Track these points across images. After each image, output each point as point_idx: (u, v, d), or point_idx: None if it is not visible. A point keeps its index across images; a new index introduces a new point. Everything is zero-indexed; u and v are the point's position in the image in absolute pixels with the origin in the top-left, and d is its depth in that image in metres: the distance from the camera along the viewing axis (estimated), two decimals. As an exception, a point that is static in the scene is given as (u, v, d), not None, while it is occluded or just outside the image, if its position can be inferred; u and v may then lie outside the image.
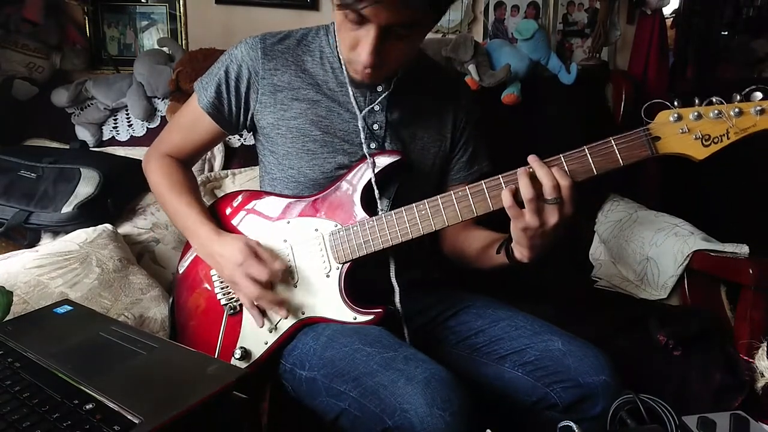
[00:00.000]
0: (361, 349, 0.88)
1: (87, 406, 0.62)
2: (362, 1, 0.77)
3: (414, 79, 1.04)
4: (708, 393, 1.19)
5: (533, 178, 0.84)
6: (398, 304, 0.99)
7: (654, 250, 1.52)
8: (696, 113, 0.82)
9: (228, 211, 1.08)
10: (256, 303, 0.97)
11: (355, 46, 0.87)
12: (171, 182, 1.08)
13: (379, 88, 1.01)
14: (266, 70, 1.01)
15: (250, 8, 1.81)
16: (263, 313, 0.99)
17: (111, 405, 0.62)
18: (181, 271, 1.11)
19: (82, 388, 0.65)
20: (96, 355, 0.76)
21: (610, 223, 1.74)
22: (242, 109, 1.05)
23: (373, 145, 1.02)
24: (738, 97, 0.82)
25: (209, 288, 1.05)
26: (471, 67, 1.71)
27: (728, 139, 0.82)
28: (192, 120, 1.09)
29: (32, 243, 1.32)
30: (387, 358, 0.85)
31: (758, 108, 0.80)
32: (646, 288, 1.54)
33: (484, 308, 1.07)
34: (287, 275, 0.99)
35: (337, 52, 1.01)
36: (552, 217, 0.84)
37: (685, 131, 0.83)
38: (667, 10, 2.34)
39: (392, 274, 0.98)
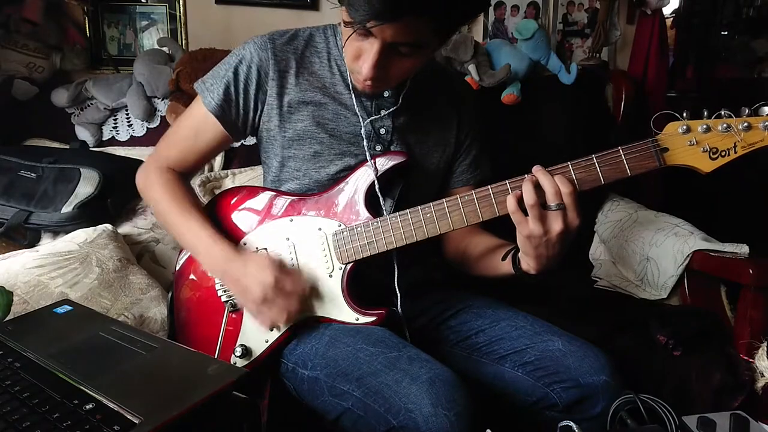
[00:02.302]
0: (364, 349, 0.88)
1: (87, 406, 0.62)
2: (369, 20, 0.77)
3: (420, 83, 1.04)
4: (708, 393, 1.19)
5: (537, 186, 0.84)
6: (399, 309, 0.99)
7: (654, 250, 1.52)
8: (705, 126, 0.82)
9: (230, 205, 1.07)
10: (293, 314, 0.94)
11: (358, 58, 0.87)
12: (174, 199, 1.02)
13: (386, 94, 1.01)
14: (275, 72, 1.00)
15: (250, 8, 1.81)
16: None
17: (111, 405, 0.62)
18: (178, 266, 1.11)
19: (82, 388, 0.65)
20: (96, 355, 0.76)
21: (610, 223, 1.74)
22: (250, 112, 1.03)
23: (378, 148, 1.02)
24: (746, 111, 0.81)
25: (209, 284, 1.04)
26: (471, 67, 1.72)
27: (735, 153, 0.82)
28: (196, 126, 1.05)
29: (32, 243, 1.32)
30: (391, 358, 0.85)
31: (766, 123, 0.80)
32: (646, 288, 1.54)
33: (484, 308, 1.07)
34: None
35: None
36: (556, 225, 0.84)
37: (694, 143, 0.83)
38: (667, 10, 2.34)
39: (395, 277, 0.98)
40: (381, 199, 0.98)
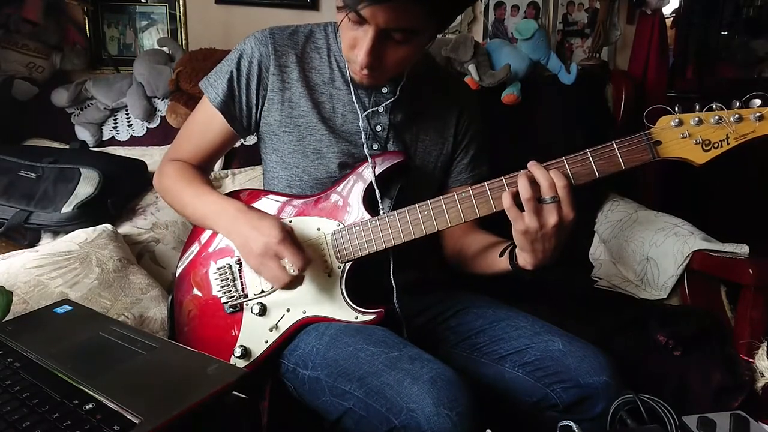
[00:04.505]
0: (365, 349, 0.88)
1: (87, 406, 0.62)
2: (361, 2, 0.77)
3: (418, 81, 1.04)
4: (708, 393, 1.19)
5: (533, 180, 0.85)
6: (396, 303, 0.98)
7: (654, 250, 1.52)
8: (697, 119, 0.83)
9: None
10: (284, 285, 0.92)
11: (354, 46, 0.87)
12: (188, 178, 1.04)
13: (384, 90, 1.01)
14: (276, 67, 1.01)
15: (250, 8, 1.82)
16: (263, 311, 0.99)
17: (111, 405, 0.62)
18: (179, 271, 1.11)
19: (82, 388, 0.65)
20: (96, 355, 0.76)
21: (610, 223, 1.74)
22: (253, 107, 1.04)
23: (375, 146, 1.03)
24: (737, 104, 0.83)
25: (209, 287, 1.04)
26: (471, 67, 1.72)
27: (728, 144, 0.83)
28: (202, 123, 1.07)
29: (32, 243, 1.32)
30: (392, 358, 0.85)
31: (757, 114, 0.81)
32: (646, 288, 1.54)
33: (484, 308, 1.07)
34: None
35: None
36: (551, 218, 0.84)
37: (686, 136, 0.84)
38: (667, 10, 2.34)
39: (391, 273, 0.98)
40: (379, 198, 0.98)
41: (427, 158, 1.08)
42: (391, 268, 0.98)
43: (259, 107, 1.04)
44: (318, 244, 0.98)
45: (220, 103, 1.03)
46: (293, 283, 0.91)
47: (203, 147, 1.08)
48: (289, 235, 0.90)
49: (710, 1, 2.75)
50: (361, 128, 1.01)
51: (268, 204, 1.04)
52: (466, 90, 1.21)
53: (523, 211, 0.85)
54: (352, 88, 1.01)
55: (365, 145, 1.00)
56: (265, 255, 0.89)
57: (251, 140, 1.60)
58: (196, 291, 1.07)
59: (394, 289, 0.98)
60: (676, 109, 0.84)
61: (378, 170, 0.98)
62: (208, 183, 1.06)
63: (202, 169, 1.11)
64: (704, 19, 2.74)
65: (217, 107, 1.03)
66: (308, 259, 0.90)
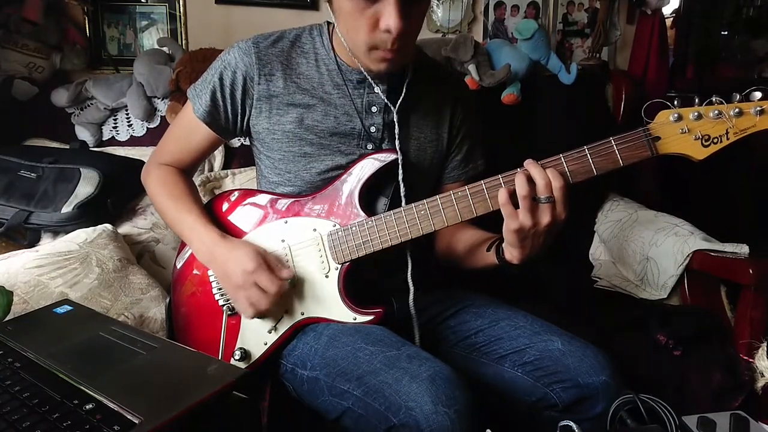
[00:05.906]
0: (363, 348, 0.88)
1: (87, 406, 0.62)
2: None
3: (412, 79, 1.04)
4: (708, 393, 1.19)
5: (529, 179, 0.85)
6: (411, 304, 0.98)
7: (654, 250, 1.52)
8: (696, 113, 0.82)
9: (224, 209, 1.07)
10: (261, 311, 0.94)
11: (376, 24, 0.86)
12: (169, 190, 1.06)
13: (377, 90, 1.01)
14: (261, 76, 1.00)
15: (250, 8, 1.82)
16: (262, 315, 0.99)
17: (111, 405, 0.62)
18: (177, 269, 1.11)
19: (82, 388, 0.65)
20: (96, 355, 0.76)
21: (610, 223, 1.74)
22: (238, 115, 1.04)
23: (370, 146, 1.02)
24: (738, 97, 0.82)
25: (207, 287, 1.04)
26: (471, 67, 1.71)
27: (728, 139, 0.82)
28: (188, 129, 1.07)
29: (32, 243, 1.32)
30: (390, 357, 0.85)
31: (758, 108, 0.80)
32: (646, 288, 1.54)
33: (483, 308, 1.07)
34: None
35: (333, 54, 1.01)
36: (545, 217, 0.85)
37: (685, 131, 0.83)
38: (667, 10, 2.34)
39: (409, 274, 0.98)
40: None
41: (422, 155, 1.08)
42: (408, 262, 0.98)
43: (246, 116, 1.04)
44: (314, 245, 0.98)
45: (203, 114, 1.03)
46: (269, 309, 0.93)
47: (188, 151, 1.09)
48: (263, 262, 0.93)
49: (710, 1, 2.75)
50: (354, 131, 1.00)
51: (264, 204, 1.04)
52: (460, 86, 1.20)
53: (518, 208, 0.85)
54: (345, 90, 1.00)
55: (358, 146, 1.00)
56: (245, 285, 0.92)
57: (251, 140, 1.60)
58: (194, 291, 1.07)
59: (411, 289, 0.98)
60: (675, 103, 0.84)
61: (373, 169, 0.98)
62: (189, 194, 1.06)
63: (187, 172, 1.12)
64: (704, 19, 2.75)
65: (200, 118, 1.04)
66: (282, 283, 0.92)
